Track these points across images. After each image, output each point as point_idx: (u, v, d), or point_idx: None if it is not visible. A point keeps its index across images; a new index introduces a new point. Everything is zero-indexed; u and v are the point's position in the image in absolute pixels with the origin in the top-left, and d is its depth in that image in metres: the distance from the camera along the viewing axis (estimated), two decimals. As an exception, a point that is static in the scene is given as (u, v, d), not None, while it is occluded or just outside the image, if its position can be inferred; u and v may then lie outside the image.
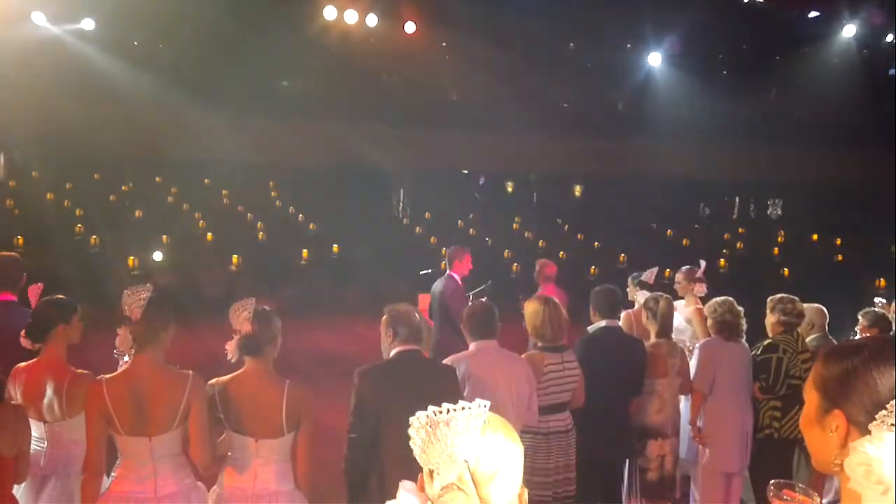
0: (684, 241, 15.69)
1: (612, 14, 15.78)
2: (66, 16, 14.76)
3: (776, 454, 4.97)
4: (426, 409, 1.42)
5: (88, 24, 15.03)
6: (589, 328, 4.99)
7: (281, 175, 17.80)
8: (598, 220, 17.07)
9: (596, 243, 15.49)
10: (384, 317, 3.74)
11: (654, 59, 17.98)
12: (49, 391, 3.56)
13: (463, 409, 1.41)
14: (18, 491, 3.50)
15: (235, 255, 12.70)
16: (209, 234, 13.88)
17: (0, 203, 14.17)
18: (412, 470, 1.50)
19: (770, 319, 5.12)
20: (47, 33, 14.66)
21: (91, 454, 3.16)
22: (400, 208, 18.93)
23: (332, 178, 16.15)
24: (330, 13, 15.07)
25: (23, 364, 3.65)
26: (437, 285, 7.25)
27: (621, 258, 13.55)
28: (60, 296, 3.86)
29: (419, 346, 3.74)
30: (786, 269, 13.60)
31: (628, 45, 18.22)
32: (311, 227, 15.26)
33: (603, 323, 4.88)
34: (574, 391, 4.49)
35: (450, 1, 15.43)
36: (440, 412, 1.40)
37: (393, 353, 3.68)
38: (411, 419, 1.42)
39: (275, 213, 16.31)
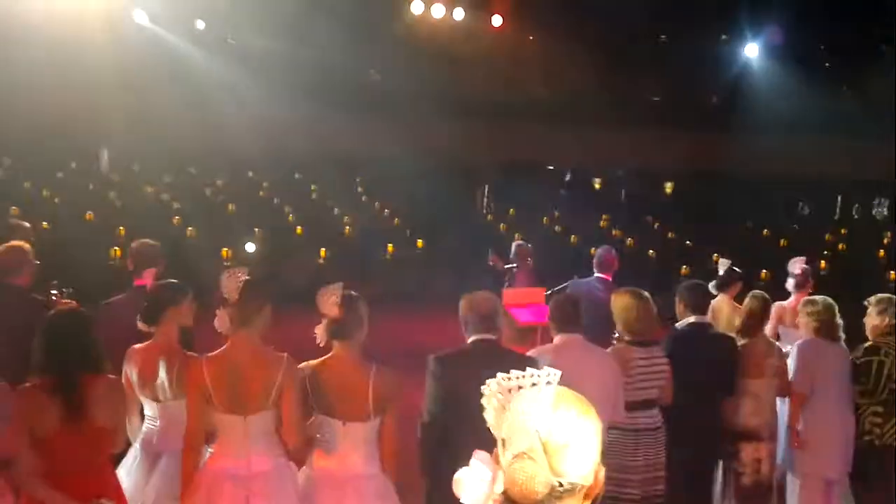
0: (781, 242, 15.02)
1: (707, 4, 15.27)
2: (166, 14, 15.37)
3: (877, 462, 4.73)
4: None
5: (187, 23, 15.63)
6: (677, 324, 4.84)
7: (367, 170, 18.02)
8: (690, 218, 16.53)
9: (688, 242, 15.03)
10: (461, 305, 3.77)
11: (752, 51, 17.28)
12: (161, 372, 3.70)
13: (532, 376, 1.39)
14: (133, 466, 3.71)
15: (323, 249, 12.91)
16: (298, 228, 14.17)
17: (103, 195, 14.84)
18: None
19: (871, 321, 4.86)
20: (148, 31, 15.29)
21: (190, 429, 3.31)
22: (484, 204, 18.85)
23: (417, 173, 16.23)
24: (417, 7, 15.14)
25: (138, 345, 3.80)
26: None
27: (714, 258, 13.06)
28: (173, 280, 4.00)
29: (495, 335, 3.74)
30: (892, 273, 12.83)
31: (723, 37, 17.62)
32: (395, 222, 15.38)
33: (692, 318, 4.74)
34: (662, 387, 4.36)
35: (539, -7, 15.28)
36: (510, 379, 1.39)
37: (469, 341, 3.71)
38: (483, 387, 1.41)
39: (361, 208, 16.52)
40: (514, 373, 1.40)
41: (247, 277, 3.35)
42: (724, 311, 5.87)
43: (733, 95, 17.31)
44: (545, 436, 1.38)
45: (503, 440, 1.42)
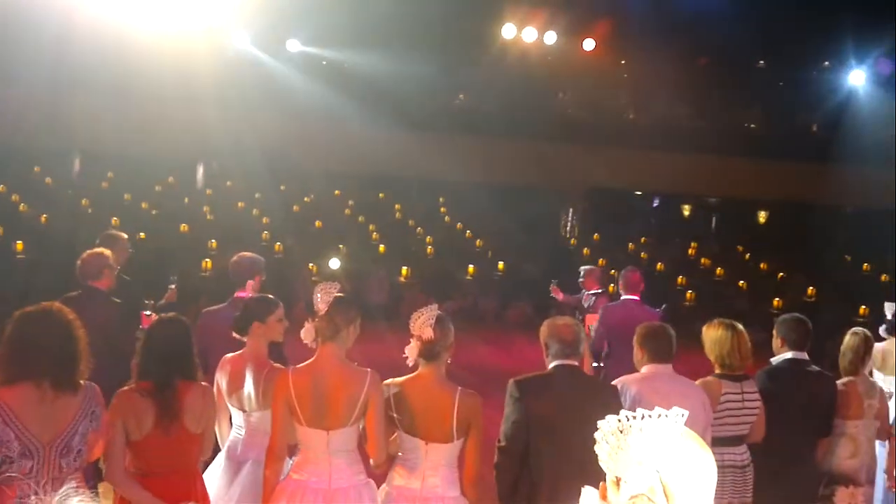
0: (883, 277, 14.26)
1: (809, 29, 14.74)
2: (265, 37, 15.95)
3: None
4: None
5: (284, 45, 16.18)
6: (772, 360, 4.60)
7: (451, 191, 18.11)
8: (785, 249, 15.90)
9: (781, 274, 14.44)
10: (542, 329, 3.73)
11: (857, 78, 16.58)
12: (248, 382, 3.75)
13: (659, 416, 1.37)
14: (218, 472, 3.77)
15: (405, 268, 13.01)
16: (381, 246, 14.33)
17: (197, 209, 15.39)
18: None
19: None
20: (247, 53, 15.88)
21: (274, 439, 3.35)
22: (568, 228, 18.64)
23: (500, 195, 16.19)
24: (509, 31, 15.19)
25: (230, 355, 3.88)
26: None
27: (809, 291, 12.52)
28: (267, 295, 4.08)
29: (577, 361, 3.68)
30: None
31: (826, 63, 16.96)
32: (477, 243, 15.36)
33: (789, 354, 4.48)
34: (753, 424, 4.14)
35: (632, 18, 15.07)
36: (634, 418, 1.37)
37: (550, 366, 3.65)
38: (599, 422, 1.39)
39: (443, 228, 16.59)
40: (640, 411, 1.38)
41: (338, 293, 3.38)
42: (894, 355, 5.60)
43: (835, 124, 16.61)
44: (666, 476, 1.36)
45: (617, 479, 1.39)
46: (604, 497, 1.42)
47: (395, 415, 3.35)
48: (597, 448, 1.40)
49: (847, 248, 16.20)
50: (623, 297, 6.44)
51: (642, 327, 4.27)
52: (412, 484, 3.36)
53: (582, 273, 8.26)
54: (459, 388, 3.37)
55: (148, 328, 3.46)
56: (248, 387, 3.74)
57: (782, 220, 18.70)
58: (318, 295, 3.37)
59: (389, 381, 3.41)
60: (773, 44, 15.75)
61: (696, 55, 15.81)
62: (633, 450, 1.36)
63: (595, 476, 1.46)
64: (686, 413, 1.39)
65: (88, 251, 5.00)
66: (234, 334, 3.86)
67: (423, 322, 3.36)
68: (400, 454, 3.42)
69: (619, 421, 1.38)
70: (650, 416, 1.37)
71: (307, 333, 3.38)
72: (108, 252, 4.99)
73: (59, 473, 2.93)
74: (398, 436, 3.40)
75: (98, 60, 13.53)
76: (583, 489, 1.47)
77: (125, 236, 5.64)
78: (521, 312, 12.55)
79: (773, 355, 4.63)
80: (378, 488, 3.47)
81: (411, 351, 3.37)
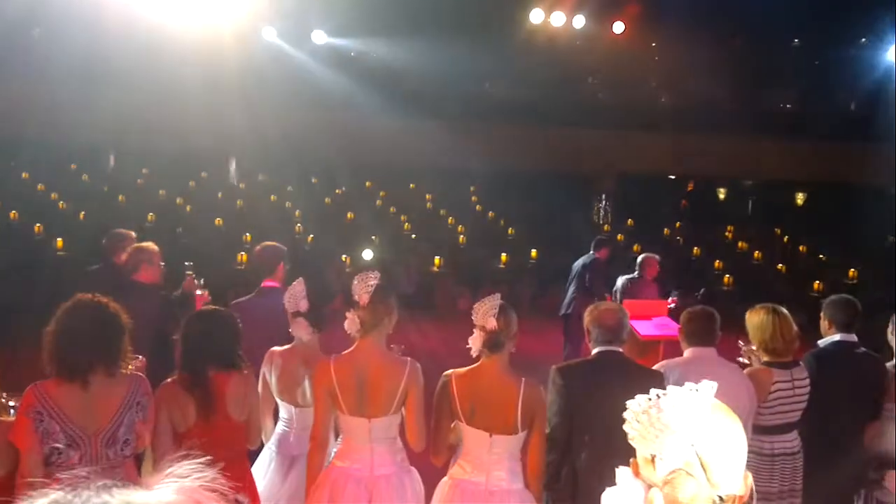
0: (926, 259, 13.91)
1: (846, 6, 14.37)
2: (293, 31, 15.99)
3: None
4: (622, 409, 1.41)
5: (312, 38, 16.21)
6: (820, 342, 4.50)
7: (482, 179, 18.03)
8: (824, 231, 15.58)
9: (821, 256, 14.16)
10: (586, 316, 3.70)
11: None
12: (305, 377, 3.74)
13: (689, 391, 1.39)
14: (269, 468, 3.79)
15: (437, 257, 12.98)
16: (413, 236, 14.32)
17: (231, 203, 15.53)
18: (605, 466, 1.55)
19: None
20: (275, 47, 15.93)
21: (317, 427, 3.35)
22: (601, 214, 18.47)
23: (532, 183, 16.08)
24: (537, 16, 15.04)
25: (278, 348, 3.86)
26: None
27: (850, 273, 12.25)
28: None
29: (620, 347, 3.64)
30: None
31: (863, 40, 16.55)
32: (510, 231, 15.29)
33: (837, 337, 4.39)
34: (805, 410, 4.05)
35: (663, -1, 14.86)
36: (664, 395, 1.39)
37: (593, 353, 3.63)
38: (628, 403, 1.41)
39: (475, 217, 16.53)
40: (670, 388, 1.40)
41: (377, 281, 3.36)
42: None
43: (873, 102, 16.22)
44: (701, 449, 1.37)
45: (652, 457, 1.40)
46: (637, 474, 1.44)
47: (457, 406, 3.31)
48: (626, 427, 1.41)
49: (889, 229, 15.83)
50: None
51: (685, 311, 4.20)
52: (477, 477, 3.32)
53: (641, 260, 8.38)
54: (524, 378, 3.32)
55: (185, 321, 3.45)
56: (305, 382, 3.73)
57: (821, 201, 18.34)
58: (357, 284, 3.35)
59: (451, 371, 3.38)
60: (809, 21, 15.38)
61: (729, 35, 15.51)
62: (666, 426, 1.37)
63: (638, 462, 1.48)
64: (715, 385, 1.40)
65: (133, 245, 5.06)
66: (313, 332, 3.83)
67: (485, 312, 3.29)
68: (462, 447, 3.39)
69: (650, 400, 1.39)
70: (681, 391, 1.39)
71: (351, 324, 3.35)
72: (149, 246, 5.01)
73: (107, 463, 2.97)
74: (460, 428, 3.36)
75: (129, 58, 13.68)
76: (617, 469, 1.49)
77: (133, 234, 5.57)
78: (554, 301, 12.45)
79: (816, 339, 4.54)
80: (441, 481, 3.46)
81: (475, 342, 3.30)
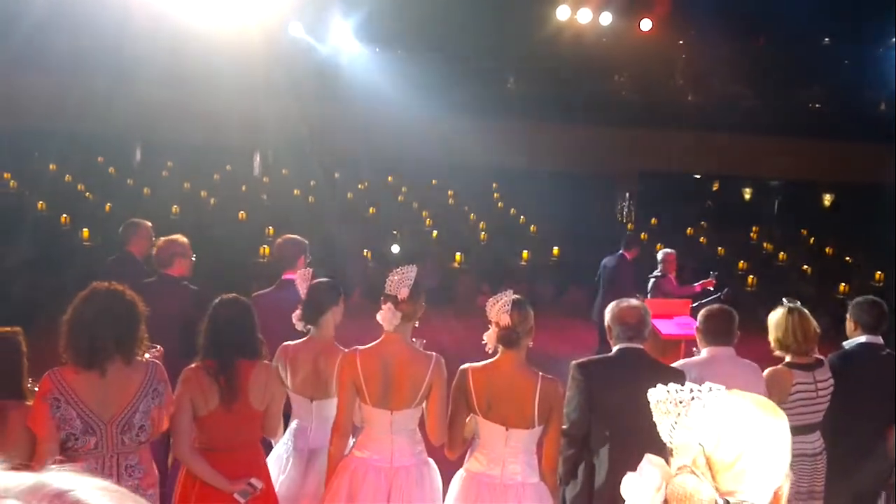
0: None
1: (875, 4, 14.14)
2: (319, 27, 16.06)
3: None
4: (642, 407, 1.41)
5: (338, 34, 16.28)
6: (845, 343, 4.45)
7: (504, 176, 17.99)
8: (851, 232, 15.36)
9: (848, 258, 13.97)
10: (607, 313, 3.71)
11: (927, 54, 15.90)
12: (323, 371, 3.72)
13: (702, 391, 1.38)
14: (288, 465, 3.76)
15: (458, 254, 12.96)
16: (434, 232, 14.32)
17: (255, 197, 15.62)
18: (623, 461, 1.57)
19: None
20: (302, 43, 16.00)
21: (340, 417, 3.38)
22: (625, 213, 18.35)
23: (555, 180, 16.00)
24: (563, 12, 14.96)
25: (291, 343, 3.83)
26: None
27: (877, 276, 12.07)
28: (327, 279, 4.00)
29: (641, 344, 3.64)
30: None
31: (893, 40, 16.28)
32: (532, 229, 15.23)
33: (863, 338, 4.34)
34: (827, 410, 4.00)
35: (690, -4, 14.72)
36: (680, 391, 1.38)
37: (614, 350, 3.64)
38: (650, 392, 1.40)
39: (497, 215, 16.50)
40: (688, 384, 1.40)
41: (415, 275, 3.36)
42: None
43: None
44: (710, 450, 1.34)
45: (671, 450, 1.41)
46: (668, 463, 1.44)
47: (473, 400, 3.31)
48: (656, 418, 1.41)
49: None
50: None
51: (703, 310, 4.18)
52: (492, 471, 3.33)
53: (661, 256, 8.40)
54: (541, 373, 3.32)
55: (212, 308, 3.43)
56: (324, 375, 3.70)
57: (848, 202, 18.07)
58: (396, 278, 3.33)
59: (467, 366, 3.38)
60: (838, 20, 15.17)
61: (756, 33, 15.33)
62: (680, 423, 1.38)
63: (657, 459, 1.47)
64: (722, 387, 1.40)
65: (161, 239, 5.04)
66: (302, 324, 3.79)
67: (499, 308, 3.29)
68: (478, 440, 3.39)
69: (668, 393, 1.39)
70: (688, 389, 1.39)
71: (391, 317, 3.32)
72: (180, 239, 5.01)
73: (123, 448, 3.02)
74: (476, 421, 3.36)
75: (157, 53, 13.81)
76: (647, 455, 1.47)
77: (149, 224, 5.54)
78: (576, 300, 12.41)
79: (842, 341, 4.49)
80: (456, 474, 3.47)
81: (490, 338, 3.31)
